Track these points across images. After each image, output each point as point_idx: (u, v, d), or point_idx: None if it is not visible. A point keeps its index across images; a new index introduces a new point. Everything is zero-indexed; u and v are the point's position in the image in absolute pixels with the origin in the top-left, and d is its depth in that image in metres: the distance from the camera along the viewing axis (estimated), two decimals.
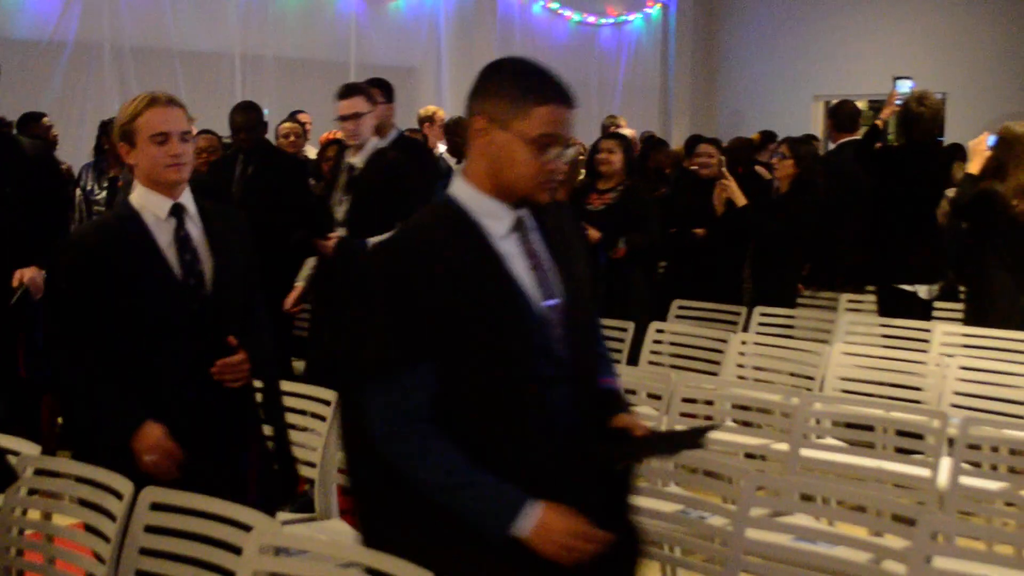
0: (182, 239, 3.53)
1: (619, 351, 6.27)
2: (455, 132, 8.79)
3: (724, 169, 7.95)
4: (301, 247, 6.14)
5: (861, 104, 11.24)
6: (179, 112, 3.51)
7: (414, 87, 12.78)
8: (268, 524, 3.03)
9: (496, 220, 2.62)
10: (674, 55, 15.70)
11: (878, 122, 7.33)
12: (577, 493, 2.58)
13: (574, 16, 14.39)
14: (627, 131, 9.94)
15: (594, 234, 6.64)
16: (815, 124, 14.33)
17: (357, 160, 5.82)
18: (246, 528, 2.98)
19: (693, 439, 2.90)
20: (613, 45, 14.93)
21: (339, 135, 8.63)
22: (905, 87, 8.84)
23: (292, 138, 8.61)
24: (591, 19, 14.63)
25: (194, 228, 3.56)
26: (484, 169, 2.61)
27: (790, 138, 8.95)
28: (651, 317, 6.73)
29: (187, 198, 3.57)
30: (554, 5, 14.09)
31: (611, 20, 14.89)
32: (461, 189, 2.65)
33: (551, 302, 2.62)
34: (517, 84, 2.57)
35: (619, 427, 2.69)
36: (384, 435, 2.56)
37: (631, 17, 15.17)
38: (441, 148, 8.95)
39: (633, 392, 5.47)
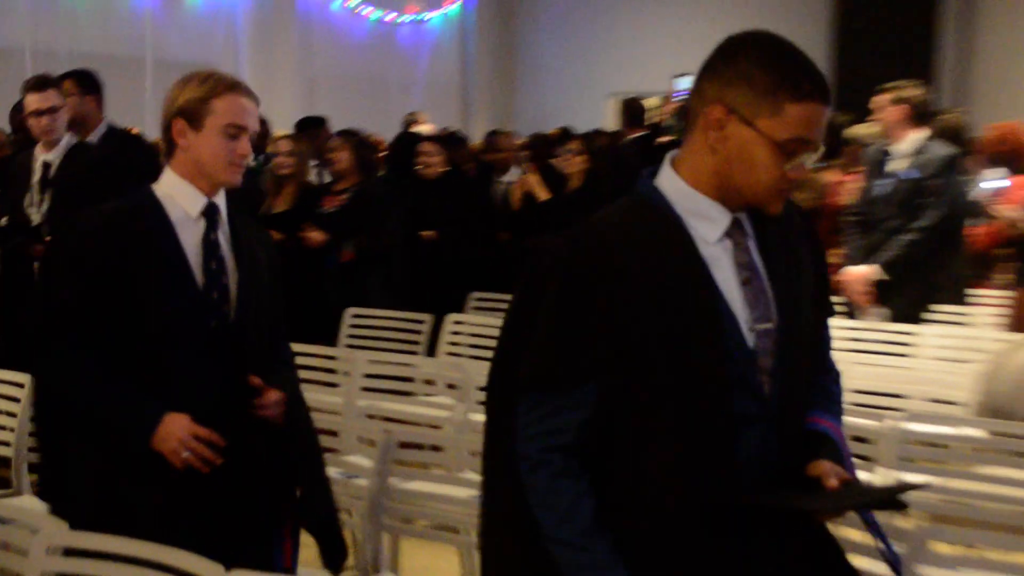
0: (210, 244, 2.97)
1: (417, 343, 6.29)
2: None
3: (526, 164, 8.20)
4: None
5: (653, 100, 11.56)
6: (256, 108, 3.03)
7: None
8: None
9: (707, 222, 2.11)
10: (474, 53, 15.86)
11: (659, 118, 7.62)
12: (745, 550, 2.11)
13: (373, 14, 14.41)
14: (426, 127, 10.03)
15: (317, 237, 6.51)
16: (610, 120, 14.67)
17: (51, 157, 5.52)
18: None
19: (892, 495, 2.33)
20: (412, 43, 15.01)
21: (135, 130, 8.58)
22: (684, 84, 9.16)
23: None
24: (390, 17, 14.67)
25: (222, 235, 3.01)
26: (709, 166, 2.09)
27: (584, 134, 9.22)
28: (446, 310, 6.61)
29: (221, 200, 3.03)
30: (353, 3, 14.08)
31: (410, 18, 14.96)
32: (669, 182, 2.14)
33: (763, 325, 2.10)
34: (769, 71, 2.04)
35: (814, 476, 2.12)
36: (520, 459, 2.11)
37: (430, 15, 15.27)
38: None
39: (432, 383, 5.61)
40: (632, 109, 8.02)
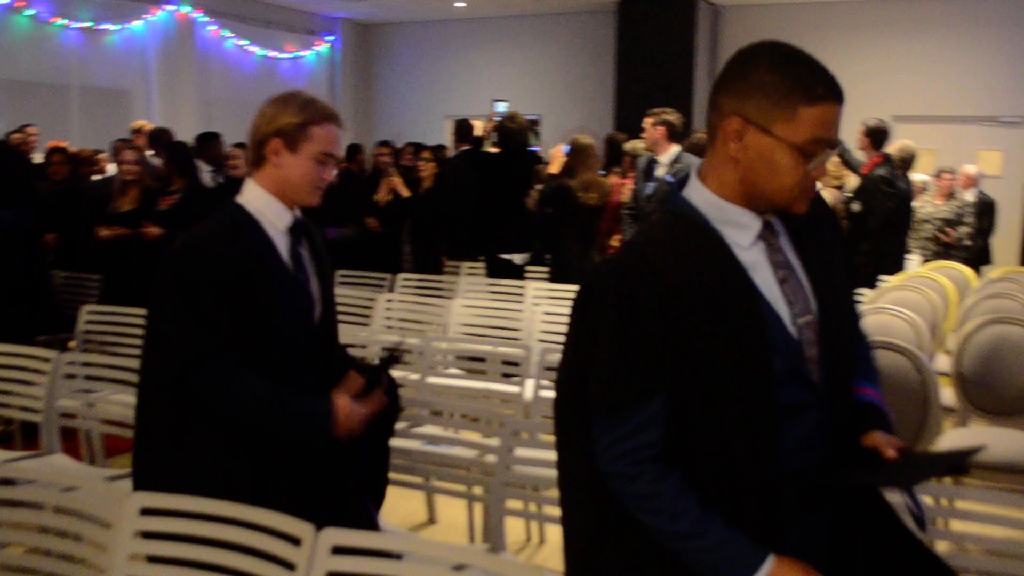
0: (297, 256, 2.60)
1: None
2: (158, 138, 8.46)
3: (391, 168, 8.14)
4: None
5: (479, 121, 11.53)
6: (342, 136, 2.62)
7: (128, 106, 12.18)
8: None
9: (739, 229, 1.79)
10: (340, 84, 15.58)
11: (482, 135, 7.60)
12: (814, 527, 1.83)
13: (259, 51, 14.01)
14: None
15: (154, 231, 6.16)
16: (447, 136, 14.62)
17: None
18: None
19: (956, 462, 1.95)
20: (292, 75, 14.63)
21: (63, 143, 8.25)
22: (501, 107, 9.17)
23: (22, 146, 8.23)
24: (272, 54, 14.28)
25: (303, 248, 2.64)
26: (734, 176, 1.77)
27: (433, 147, 9.23)
28: None
29: (299, 214, 2.65)
30: (243, 43, 13.67)
31: (289, 55, 14.60)
32: (699, 194, 1.81)
33: (805, 318, 1.81)
34: (782, 79, 1.71)
35: (870, 447, 1.81)
36: (611, 475, 1.79)
37: (305, 53, 14.92)
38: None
39: None
40: (461, 127, 7.97)
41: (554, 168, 6.90)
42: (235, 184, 7.14)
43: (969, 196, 9.29)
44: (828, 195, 6.90)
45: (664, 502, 1.75)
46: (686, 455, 1.77)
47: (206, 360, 2.40)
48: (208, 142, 8.39)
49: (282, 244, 2.56)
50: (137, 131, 9.12)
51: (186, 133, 9.88)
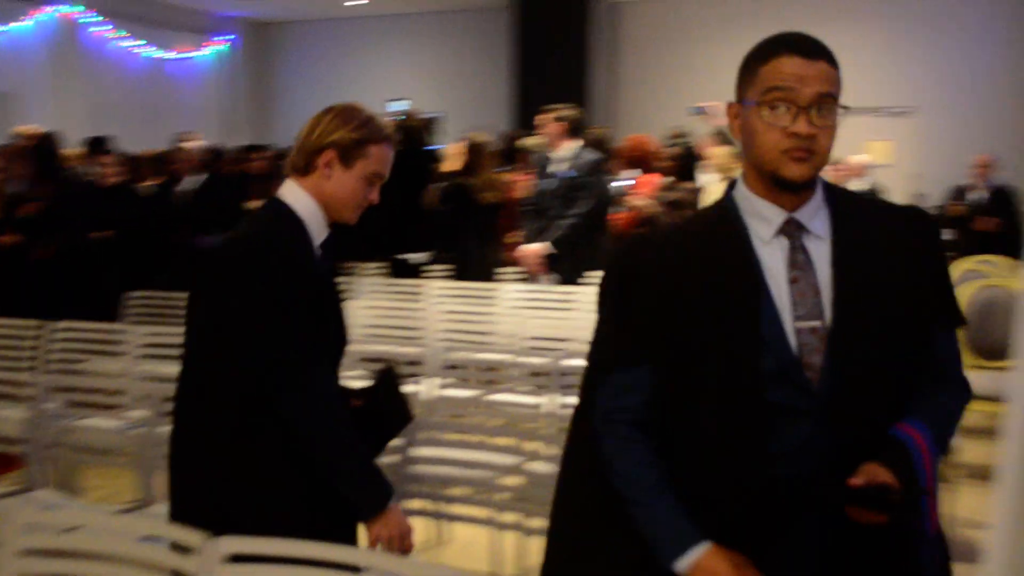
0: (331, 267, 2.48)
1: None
2: (44, 145, 8.20)
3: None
4: None
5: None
6: None
7: (10, 110, 11.77)
8: None
9: (762, 222, 1.77)
10: (236, 82, 15.34)
11: None
12: (773, 537, 1.76)
13: (148, 51, 13.70)
14: (196, 144, 9.64)
15: (7, 240, 5.94)
16: None
17: None
18: None
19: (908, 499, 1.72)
20: (183, 74, 14.37)
21: None
22: (398, 107, 9.08)
23: None
24: (161, 54, 13.96)
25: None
26: (747, 162, 1.79)
27: None
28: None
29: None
30: (131, 43, 13.34)
31: (180, 55, 14.30)
32: (739, 188, 1.82)
33: (808, 323, 1.73)
34: (751, 53, 1.75)
35: (863, 474, 1.68)
36: (594, 433, 1.85)
37: (198, 52, 14.64)
38: None
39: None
40: None
41: (450, 166, 6.88)
42: (118, 192, 7.04)
43: (860, 185, 9.57)
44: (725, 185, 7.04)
45: (624, 465, 1.79)
46: (667, 431, 1.78)
47: (301, 368, 2.24)
48: (99, 146, 8.17)
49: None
50: (19, 136, 8.78)
51: (77, 136, 9.64)
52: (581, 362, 4.34)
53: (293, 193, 2.40)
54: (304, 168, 2.40)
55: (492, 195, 6.54)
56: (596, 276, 6.15)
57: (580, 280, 6.02)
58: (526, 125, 8.89)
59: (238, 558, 2.03)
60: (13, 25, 11.91)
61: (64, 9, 12.25)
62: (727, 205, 1.82)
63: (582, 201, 6.14)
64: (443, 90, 14.46)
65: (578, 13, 12.79)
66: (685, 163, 6.40)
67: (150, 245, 7.10)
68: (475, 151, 6.59)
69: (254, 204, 7.63)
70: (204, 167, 7.85)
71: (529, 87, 12.58)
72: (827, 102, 1.68)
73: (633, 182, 7.07)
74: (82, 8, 12.31)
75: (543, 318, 5.51)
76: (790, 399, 1.71)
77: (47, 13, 12.12)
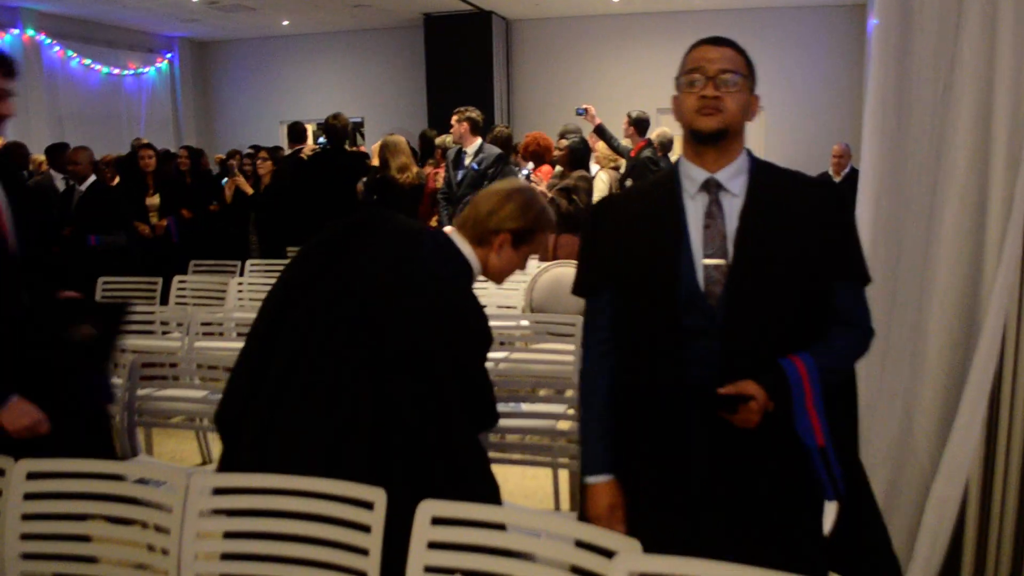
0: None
1: (154, 297, 5.90)
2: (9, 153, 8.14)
3: (236, 169, 8.08)
4: None
5: (309, 125, 11.47)
6: None
7: None
8: None
9: (690, 181, 1.96)
10: (180, 95, 15.13)
11: (314, 134, 7.56)
12: (682, 437, 1.91)
13: (103, 69, 13.46)
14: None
15: None
16: (283, 139, 14.47)
17: None
18: None
19: (729, 404, 1.85)
20: (135, 89, 14.14)
21: None
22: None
23: None
24: (116, 71, 13.75)
25: None
26: (683, 133, 1.99)
27: (270, 148, 9.12)
28: (174, 272, 6.19)
29: None
30: (87, 61, 13.10)
31: (132, 71, 14.08)
32: (680, 157, 2.02)
33: (714, 261, 1.89)
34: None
35: (735, 386, 1.84)
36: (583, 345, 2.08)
37: (146, 69, 14.43)
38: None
39: (166, 324, 5.38)
40: (294, 129, 7.96)
41: (374, 163, 7.03)
42: (99, 189, 6.96)
43: None
44: (606, 176, 7.26)
45: (587, 384, 2.03)
46: (618, 342, 1.99)
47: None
48: (59, 152, 8.11)
49: None
50: None
51: (39, 148, 9.51)
52: (499, 323, 4.29)
53: (466, 251, 2.38)
54: (481, 240, 2.39)
55: (409, 176, 6.64)
56: None
57: None
58: (440, 125, 9.04)
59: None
60: None
61: (24, 32, 11.98)
62: (672, 171, 2.01)
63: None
64: (367, 99, 14.52)
65: (481, 30, 13.06)
66: (578, 155, 6.58)
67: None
68: (388, 148, 6.70)
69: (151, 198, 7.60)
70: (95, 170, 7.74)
71: (442, 93, 12.79)
72: (729, 75, 1.90)
73: (530, 171, 7.21)
74: (33, 32, 12.02)
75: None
76: (698, 322, 1.88)
77: (8, 36, 11.84)
